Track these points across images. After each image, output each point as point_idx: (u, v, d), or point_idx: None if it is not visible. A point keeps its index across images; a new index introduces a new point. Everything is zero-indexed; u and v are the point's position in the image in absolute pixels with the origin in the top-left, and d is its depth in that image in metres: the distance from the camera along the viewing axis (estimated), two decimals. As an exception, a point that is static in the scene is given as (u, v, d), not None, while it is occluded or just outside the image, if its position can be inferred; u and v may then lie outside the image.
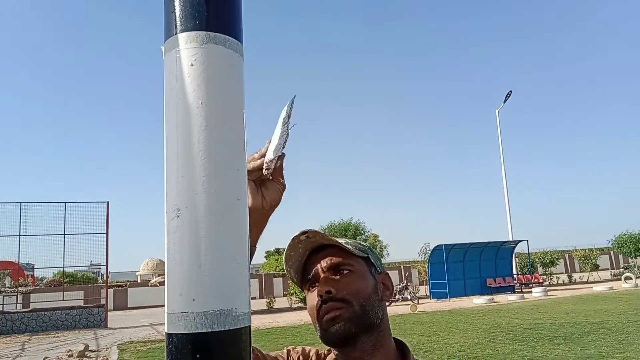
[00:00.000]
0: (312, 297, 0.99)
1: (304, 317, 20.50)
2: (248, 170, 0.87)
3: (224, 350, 0.55)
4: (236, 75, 0.62)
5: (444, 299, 26.30)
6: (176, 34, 0.61)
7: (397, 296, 25.05)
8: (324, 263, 0.99)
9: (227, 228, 0.57)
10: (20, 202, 22.16)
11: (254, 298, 37.73)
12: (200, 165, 0.58)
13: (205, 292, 0.55)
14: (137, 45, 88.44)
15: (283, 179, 0.98)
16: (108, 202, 22.70)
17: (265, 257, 57.05)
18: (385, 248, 47.64)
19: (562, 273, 42.09)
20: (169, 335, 0.56)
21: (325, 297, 0.95)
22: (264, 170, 0.93)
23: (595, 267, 39.95)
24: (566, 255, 47.59)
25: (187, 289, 0.55)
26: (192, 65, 0.60)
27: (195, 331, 0.55)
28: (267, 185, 0.96)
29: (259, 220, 0.96)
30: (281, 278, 41.79)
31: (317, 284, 0.99)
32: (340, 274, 0.98)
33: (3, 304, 24.62)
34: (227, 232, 0.57)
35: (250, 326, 0.59)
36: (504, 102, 40.69)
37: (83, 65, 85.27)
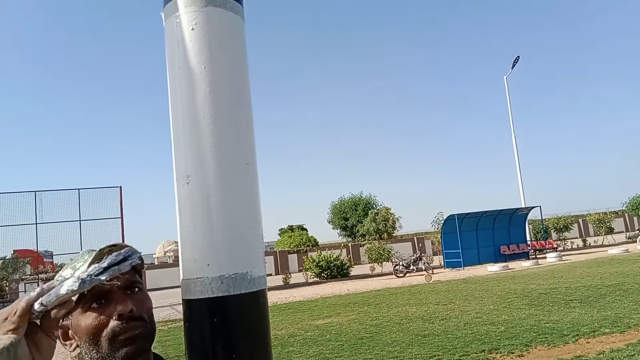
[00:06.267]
0: (94, 317, 0.90)
1: (319, 291, 20.73)
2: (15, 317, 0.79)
3: (241, 313, 0.55)
4: (238, 38, 0.61)
5: (458, 268, 26.43)
6: (175, -2, 0.59)
7: (411, 267, 25.23)
8: (121, 280, 0.91)
9: (237, 192, 0.57)
10: (35, 191, 22.53)
11: (270, 275, 38.20)
12: (207, 131, 0.56)
13: (219, 257, 0.55)
14: (138, 16, 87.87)
15: (57, 330, 0.85)
16: (121, 186, 23.00)
17: (279, 234, 57.60)
18: (397, 220, 47.90)
19: (577, 238, 42.00)
20: (186, 302, 0.57)
21: (127, 316, 0.88)
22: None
23: (610, 231, 39.80)
24: (580, 220, 47.40)
25: (201, 255, 0.55)
26: (192, 29, 0.58)
27: (212, 296, 0.54)
28: (37, 342, 0.82)
29: None
30: (296, 254, 42.26)
31: (102, 302, 0.90)
32: (132, 291, 0.91)
33: (25, 291, 25.14)
34: (238, 197, 0.56)
35: (266, 289, 0.59)
36: (512, 68, 40.08)
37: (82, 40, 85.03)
